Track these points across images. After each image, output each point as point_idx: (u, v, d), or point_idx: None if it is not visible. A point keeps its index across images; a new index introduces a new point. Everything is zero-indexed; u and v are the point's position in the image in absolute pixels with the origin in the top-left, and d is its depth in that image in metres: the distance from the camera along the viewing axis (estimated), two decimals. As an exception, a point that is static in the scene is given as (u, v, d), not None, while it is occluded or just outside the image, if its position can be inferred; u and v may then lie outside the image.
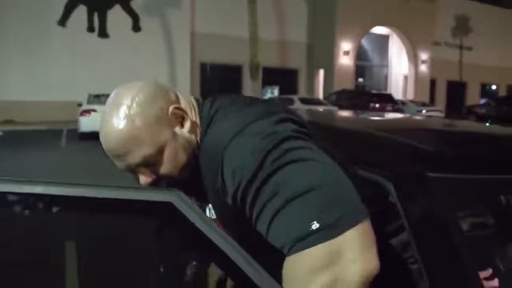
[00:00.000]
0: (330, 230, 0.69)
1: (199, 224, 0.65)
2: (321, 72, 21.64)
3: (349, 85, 20.36)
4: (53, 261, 0.71)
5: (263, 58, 17.11)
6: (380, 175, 0.99)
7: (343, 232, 0.69)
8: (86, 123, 11.63)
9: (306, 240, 0.70)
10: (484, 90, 28.34)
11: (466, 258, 0.88)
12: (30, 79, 15.69)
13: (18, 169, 7.56)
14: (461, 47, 24.56)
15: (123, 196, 0.68)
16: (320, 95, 20.55)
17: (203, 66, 19.70)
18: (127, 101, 0.88)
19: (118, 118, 0.87)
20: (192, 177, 0.89)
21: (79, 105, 12.37)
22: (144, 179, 0.88)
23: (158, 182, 0.89)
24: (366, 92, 18.89)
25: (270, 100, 1.00)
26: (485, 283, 1.23)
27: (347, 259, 0.69)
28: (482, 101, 23.90)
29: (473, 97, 26.57)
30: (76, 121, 12.01)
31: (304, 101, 15.46)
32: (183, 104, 0.94)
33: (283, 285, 0.72)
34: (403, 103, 18.99)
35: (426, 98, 22.98)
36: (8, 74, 15.39)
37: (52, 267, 0.71)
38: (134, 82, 0.95)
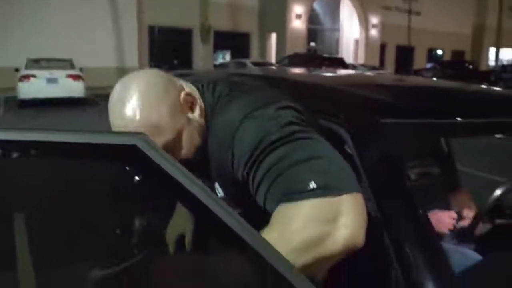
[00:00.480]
0: (329, 190, 0.74)
1: (165, 166, 0.64)
2: (273, 36, 21.50)
3: (301, 49, 20.37)
4: (13, 210, 0.67)
5: (214, 22, 16.73)
6: (336, 124, 1.03)
7: (340, 195, 0.74)
8: (26, 90, 10.99)
9: (305, 193, 0.74)
10: (431, 55, 29.43)
11: (416, 201, 0.91)
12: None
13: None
14: (410, 12, 25.14)
15: (84, 140, 0.62)
16: (273, 59, 20.53)
17: (151, 29, 19.00)
18: (139, 92, 0.91)
19: (134, 109, 0.90)
20: (200, 158, 0.96)
21: (17, 70, 11.64)
22: None
23: None
24: (318, 56, 19.04)
25: (261, 87, 1.04)
26: (438, 223, 1.36)
27: (340, 222, 0.73)
28: (429, 65, 24.89)
29: (420, 62, 27.51)
30: (14, 88, 11.32)
31: (256, 65, 15.36)
32: (189, 90, 0.99)
33: (268, 231, 0.74)
34: (354, 66, 19.35)
35: (376, 62, 23.53)
36: None
37: (11, 217, 0.66)
38: (139, 72, 0.98)
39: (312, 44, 23.49)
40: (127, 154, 0.62)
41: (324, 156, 0.80)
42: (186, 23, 18.79)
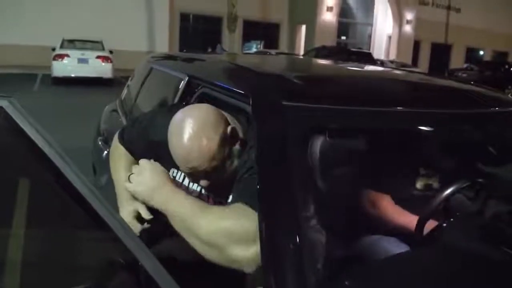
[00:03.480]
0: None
1: (29, 131, 0.65)
2: (303, 28, 21.89)
3: (331, 42, 20.60)
4: None
5: (243, 11, 17.38)
6: (247, 104, 1.19)
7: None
8: (59, 68, 12.08)
9: (254, 204, 1.03)
10: (470, 55, 28.71)
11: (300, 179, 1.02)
12: (4, 22, 15.87)
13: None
14: (449, 8, 24.55)
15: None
16: (301, 51, 20.95)
17: (182, 16, 19.90)
18: (198, 125, 1.14)
19: (193, 140, 1.13)
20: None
21: (53, 49, 12.75)
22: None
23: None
24: (346, 50, 19.30)
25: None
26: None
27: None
28: (466, 65, 24.01)
29: (458, 61, 26.81)
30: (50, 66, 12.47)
31: (280, 54, 15.96)
32: (233, 125, 1.21)
33: (224, 213, 1.08)
34: (382, 63, 19.47)
35: (408, 59, 23.24)
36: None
37: None
38: (194, 107, 1.23)
39: (343, 38, 23.68)
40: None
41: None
42: (216, 11, 19.49)
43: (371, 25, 24.45)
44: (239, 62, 2.12)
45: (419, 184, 1.70)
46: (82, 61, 12.29)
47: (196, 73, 1.85)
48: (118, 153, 1.53)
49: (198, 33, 20.31)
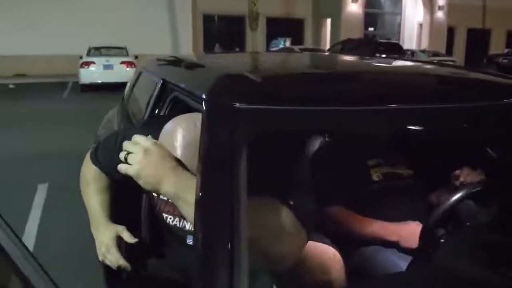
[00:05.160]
0: None
1: None
2: (328, 21, 21.95)
3: (357, 34, 20.47)
4: None
5: (266, 8, 17.68)
6: (201, 104, 1.15)
7: None
8: (86, 75, 12.80)
9: None
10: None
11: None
12: (37, 34, 16.92)
13: (18, 116, 9.00)
14: (486, -10, 23.64)
15: None
16: (327, 45, 21.02)
17: (206, 17, 20.43)
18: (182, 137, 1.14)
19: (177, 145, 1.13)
20: None
21: (80, 57, 13.50)
22: None
23: None
24: (373, 41, 19.26)
25: None
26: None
27: None
28: (507, 50, 22.36)
29: (498, 47, 25.61)
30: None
31: (304, 51, 16.17)
32: None
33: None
34: (413, 53, 19.20)
35: (442, 48, 22.70)
36: (16, 30, 16.64)
37: None
38: (182, 118, 1.19)
39: (371, 29, 23.50)
40: None
41: None
42: (238, 10, 19.86)
43: (400, 14, 24.07)
44: (208, 62, 2.04)
45: (375, 175, 1.75)
46: (107, 67, 12.96)
47: (168, 76, 1.81)
48: (90, 174, 1.42)
49: (221, 33, 20.79)
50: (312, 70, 1.84)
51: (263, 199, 1.02)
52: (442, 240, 1.36)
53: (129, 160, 1.11)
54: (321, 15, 21.95)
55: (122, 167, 1.13)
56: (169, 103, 1.68)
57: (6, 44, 16.58)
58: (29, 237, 3.48)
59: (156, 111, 1.78)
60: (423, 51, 19.81)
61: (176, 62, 2.18)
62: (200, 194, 0.96)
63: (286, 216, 1.04)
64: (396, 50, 17.77)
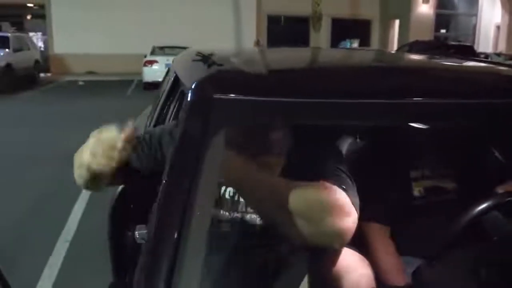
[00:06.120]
0: None
1: None
2: (396, 23, 21.37)
3: (427, 36, 19.76)
4: None
5: (331, 9, 17.50)
6: (187, 93, 1.09)
7: None
8: (149, 73, 13.38)
9: None
10: None
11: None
12: (108, 34, 17.95)
13: (81, 111, 9.57)
14: None
15: None
16: (394, 47, 20.44)
17: (270, 18, 20.57)
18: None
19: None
20: None
21: (145, 56, 14.14)
22: None
23: None
24: (443, 44, 18.42)
25: None
26: None
27: None
28: None
29: None
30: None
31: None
32: None
33: None
34: (487, 56, 18.28)
35: (522, 51, 21.53)
36: (90, 30, 17.83)
37: None
38: None
39: (442, 31, 22.59)
40: None
41: None
42: (302, 11, 19.86)
43: (476, 15, 22.97)
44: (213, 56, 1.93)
45: (416, 190, 1.62)
46: (168, 66, 13.37)
47: (178, 71, 1.77)
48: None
49: (286, 34, 20.81)
50: (315, 63, 1.77)
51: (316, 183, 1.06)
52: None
53: None
54: (389, 16, 21.42)
55: None
56: (177, 98, 1.69)
57: (80, 43, 17.79)
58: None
59: (166, 108, 1.79)
60: (498, 54, 18.84)
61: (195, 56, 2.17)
62: (164, 181, 0.95)
63: (341, 193, 1.06)
64: (469, 53, 16.96)
